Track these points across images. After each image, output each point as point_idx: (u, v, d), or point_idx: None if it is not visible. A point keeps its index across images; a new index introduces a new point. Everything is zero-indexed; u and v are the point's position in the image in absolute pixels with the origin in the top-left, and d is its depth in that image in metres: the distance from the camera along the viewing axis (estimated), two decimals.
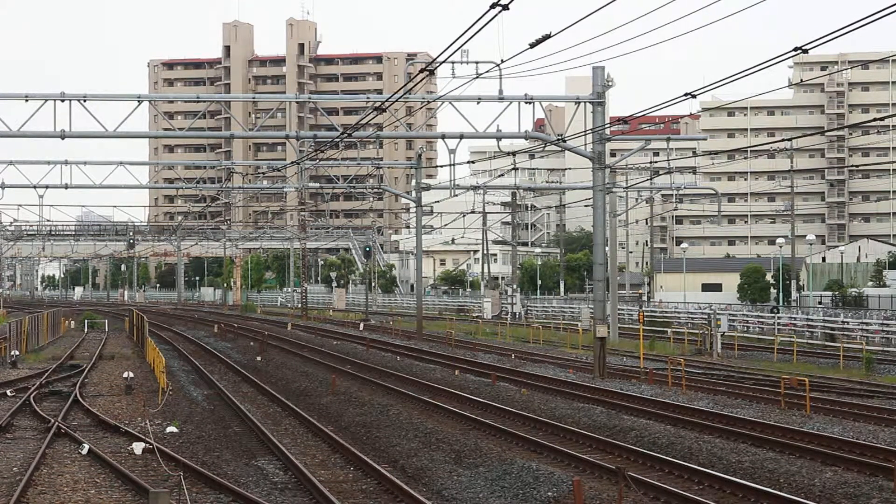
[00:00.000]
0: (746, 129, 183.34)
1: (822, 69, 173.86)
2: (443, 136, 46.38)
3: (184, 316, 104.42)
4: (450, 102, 41.82)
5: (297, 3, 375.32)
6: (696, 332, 57.53)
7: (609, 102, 41.51)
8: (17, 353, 47.79)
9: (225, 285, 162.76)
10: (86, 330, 77.51)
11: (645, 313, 62.17)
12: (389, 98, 35.59)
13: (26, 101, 41.55)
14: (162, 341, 61.40)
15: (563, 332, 67.32)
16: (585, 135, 38.15)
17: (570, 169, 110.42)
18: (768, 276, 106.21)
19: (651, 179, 65.75)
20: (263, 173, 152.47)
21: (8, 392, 35.31)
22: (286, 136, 50.49)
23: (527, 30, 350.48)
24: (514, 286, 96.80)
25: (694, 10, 24.97)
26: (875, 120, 34.37)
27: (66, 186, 57.39)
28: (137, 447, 23.68)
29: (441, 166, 55.22)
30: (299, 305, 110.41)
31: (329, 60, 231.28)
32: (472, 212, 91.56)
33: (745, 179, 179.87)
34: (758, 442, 24.20)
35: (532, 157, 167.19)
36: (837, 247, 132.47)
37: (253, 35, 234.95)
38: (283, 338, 65.27)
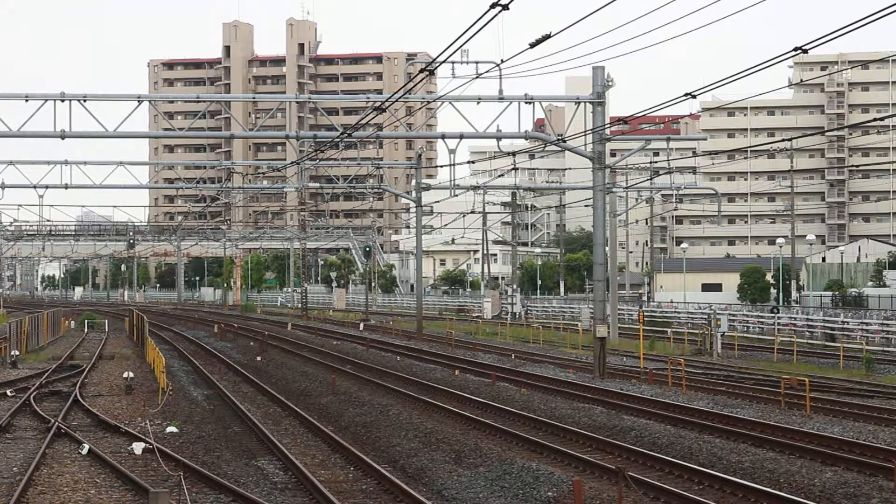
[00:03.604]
0: (746, 129, 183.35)
1: (822, 69, 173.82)
2: (443, 136, 46.38)
3: (184, 316, 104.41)
4: (450, 102, 41.81)
5: (297, 3, 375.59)
6: (696, 332, 57.53)
7: (609, 102, 41.50)
8: (17, 353, 47.80)
9: (225, 285, 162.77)
10: (86, 330, 77.51)
11: (645, 313, 62.16)
12: (389, 98, 35.58)
13: (26, 101, 41.56)
14: (162, 341, 61.39)
15: (563, 332, 67.33)
16: (585, 135, 38.15)
17: (570, 169, 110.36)
18: (768, 277, 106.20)
19: (651, 179, 65.76)
20: (263, 173, 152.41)
21: (8, 392, 35.31)
22: (286, 136, 50.49)
23: (527, 30, 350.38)
24: (514, 286, 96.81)
25: (694, 10, 24.97)
26: (875, 120, 34.39)
27: (66, 186, 57.39)
28: (137, 447, 23.69)
29: (441, 166, 55.22)
30: (299, 305, 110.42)
31: (329, 60, 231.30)
32: (472, 212, 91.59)
33: (745, 179, 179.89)
34: (758, 442, 24.20)
35: (532, 157, 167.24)
36: (837, 247, 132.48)
37: (253, 35, 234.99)
38: (283, 338, 65.27)
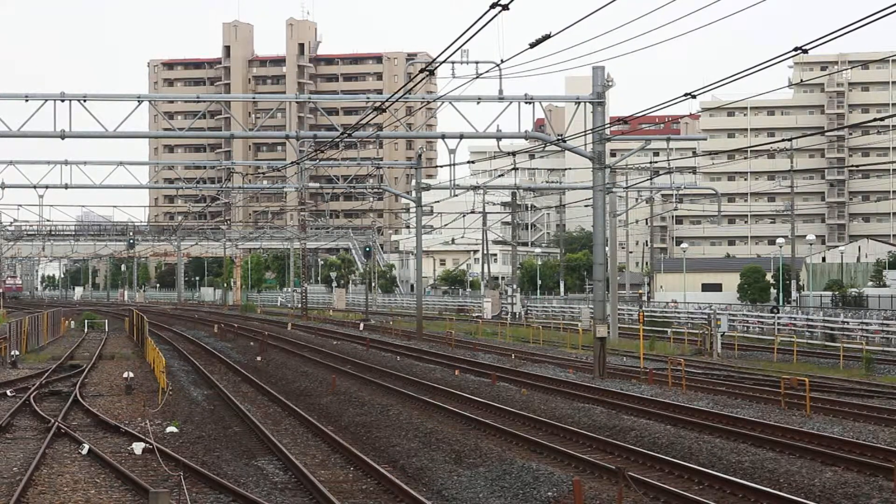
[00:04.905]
0: (746, 129, 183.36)
1: (822, 69, 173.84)
2: (443, 136, 46.38)
3: (184, 316, 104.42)
4: (450, 102, 41.80)
5: (297, 3, 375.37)
6: (696, 332, 57.52)
7: (609, 102, 41.50)
8: (17, 353, 47.80)
9: (225, 285, 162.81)
10: (86, 330, 77.52)
11: (645, 313, 62.15)
12: (389, 98, 35.58)
13: (26, 101, 41.56)
14: (162, 341, 61.39)
15: (563, 332, 67.32)
16: (585, 135, 38.13)
17: (570, 169, 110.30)
18: (768, 277, 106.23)
19: (651, 179, 65.73)
20: (263, 173, 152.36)
21: (8, 392, 35.32)
22: (286, 136, 50.50)
23: (527, 30, 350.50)
24: (514, 286, 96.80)
25: (694, 10, 24.98)
26: (875, 120, 34.39)
27: (66, 186, 57.41)
28: (137, 447, 23.69)
29: (441, 166, 55.22)
30: (299, 305, 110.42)
31: (329, 60, 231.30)
32: (472, 212, 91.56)
33: (745, 179, 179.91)
34: (758, 442, 24.19)
35: (532, 157, 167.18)
36: (837, 247, 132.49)
37: (253, 35, 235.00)
38: (283, 338, 65.26)
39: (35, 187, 61.28)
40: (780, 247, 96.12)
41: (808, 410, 28.59)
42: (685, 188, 68.28)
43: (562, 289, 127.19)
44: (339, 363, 47.03)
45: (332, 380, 37.66)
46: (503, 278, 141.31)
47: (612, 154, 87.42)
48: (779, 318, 65.94)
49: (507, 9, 21.20)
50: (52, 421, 27.55)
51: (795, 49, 22.56)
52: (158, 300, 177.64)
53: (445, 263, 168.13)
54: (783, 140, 35.56)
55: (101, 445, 24.39)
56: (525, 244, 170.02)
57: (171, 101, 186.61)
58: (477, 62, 37.86)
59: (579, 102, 41.23)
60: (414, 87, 32.35)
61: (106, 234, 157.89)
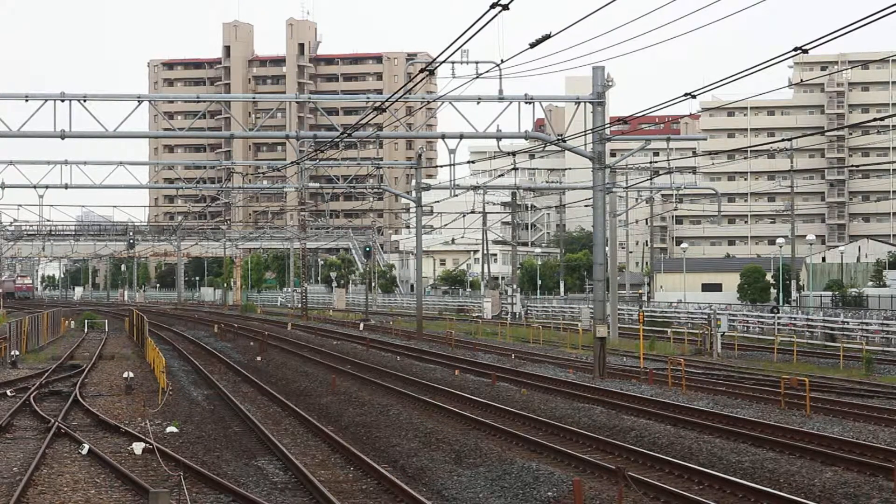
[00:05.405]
0: (746, 129, 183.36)
1: (822, 69, 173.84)
2: (443, 136, 46.38)
3: (184, 316, 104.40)
4: (450, 102, 41.80)
5: (297, 3, 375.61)
6: (696, 332, 57.52)
7: (609, 102, 41.50)
8: (17, 353, 47.77)
9: (225, 285, 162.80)
10: (86, 330, 77.49)
11: (645, 313, 62.14)
12: (389, 98, 35.59)
13: (26, 101, 41.56)
14: (162, 341, 61.37)
15: (563, 332, 67.32)
16: (585, 135, 38.13)
17: (570, 169, 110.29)
18: (768, 276, 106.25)
19: (651, 179, 65.71)
20: (263, 173, 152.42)
21: (8, 392, 35.31)
22: (286, 136, 50.50)
23: (527, 30, 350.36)
24: (514, 286, 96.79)
25: (694, 10, 24.98)
26: (875, 120, 34.40)
27: (66, 186, 57.40)
28: (137, 447, 23.69)
29: (441, 166, 55.23)
30: (299, 305, 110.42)
31: (329, 60, 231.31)
32: (472, 212, 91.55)
33: (745, 179, 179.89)
34: (758, 442, 24.19)
35: (532, 157, 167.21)
36: (837, 247, 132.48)
37: (253, 35, 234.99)
38: (283, 338, 65.26)
39: (35, 187, 61.29)
40: (780, 247, 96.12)
41: (808, 410, 28.58)
42: (685, 188, 68.23)
43: (562, 289, 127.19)
44: (339, 363, 47.03)
45: (332, 380, 37.66)
46: (503, 278, 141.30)
47: (612, 154, 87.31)
48: (779, 318, 65.94)
49: (507, 9, 21.21)
50: (52, 421, 27.54)
51: (795, 49, 22.56)
52: (158, 300, 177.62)
53: (445, 263, 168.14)
54: (783, 140, 35.61)
55: (101, 445, 24.39)
56: (525, 244, 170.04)
57: (171, 101, 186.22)
58: (477, 62, 37.87)
59: (579, 102, 41.22)
60: (414, 87, 32.36)
61: (106, 234, 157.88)
